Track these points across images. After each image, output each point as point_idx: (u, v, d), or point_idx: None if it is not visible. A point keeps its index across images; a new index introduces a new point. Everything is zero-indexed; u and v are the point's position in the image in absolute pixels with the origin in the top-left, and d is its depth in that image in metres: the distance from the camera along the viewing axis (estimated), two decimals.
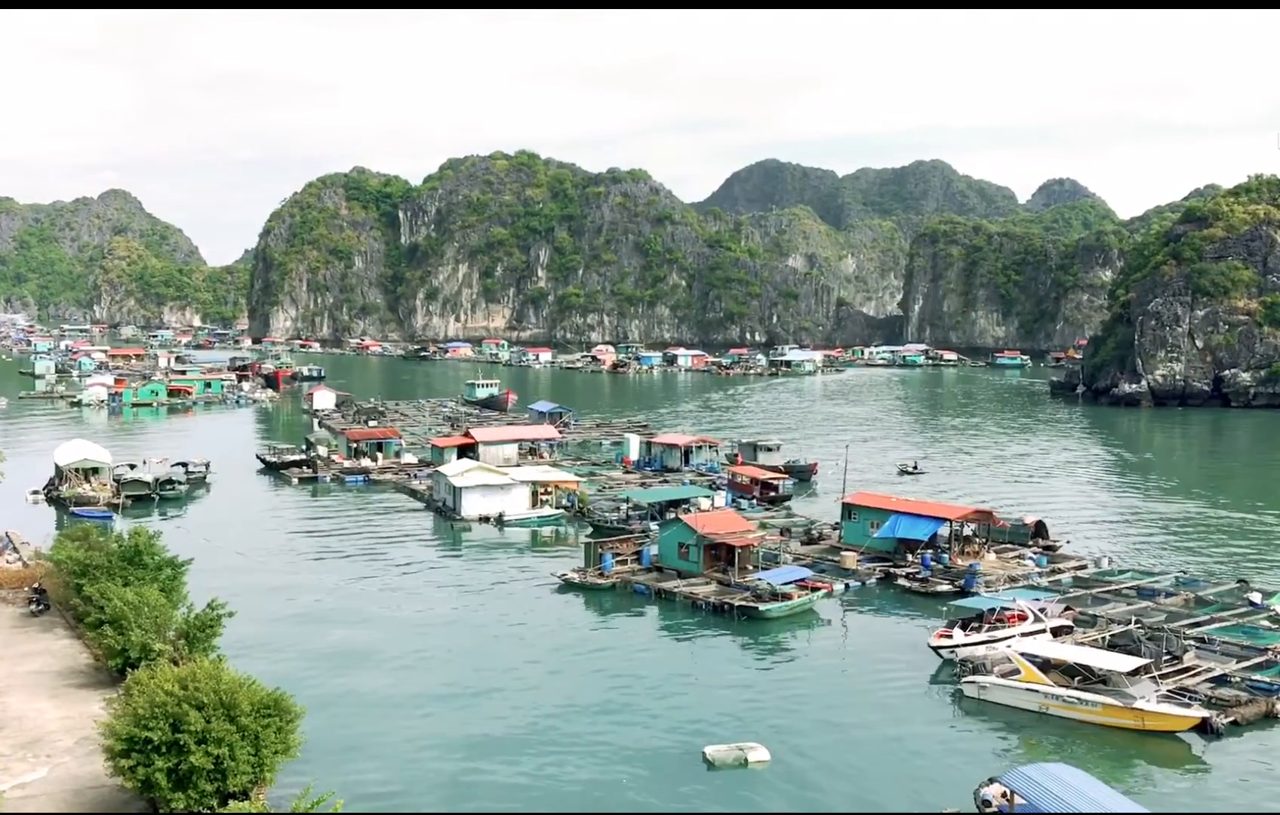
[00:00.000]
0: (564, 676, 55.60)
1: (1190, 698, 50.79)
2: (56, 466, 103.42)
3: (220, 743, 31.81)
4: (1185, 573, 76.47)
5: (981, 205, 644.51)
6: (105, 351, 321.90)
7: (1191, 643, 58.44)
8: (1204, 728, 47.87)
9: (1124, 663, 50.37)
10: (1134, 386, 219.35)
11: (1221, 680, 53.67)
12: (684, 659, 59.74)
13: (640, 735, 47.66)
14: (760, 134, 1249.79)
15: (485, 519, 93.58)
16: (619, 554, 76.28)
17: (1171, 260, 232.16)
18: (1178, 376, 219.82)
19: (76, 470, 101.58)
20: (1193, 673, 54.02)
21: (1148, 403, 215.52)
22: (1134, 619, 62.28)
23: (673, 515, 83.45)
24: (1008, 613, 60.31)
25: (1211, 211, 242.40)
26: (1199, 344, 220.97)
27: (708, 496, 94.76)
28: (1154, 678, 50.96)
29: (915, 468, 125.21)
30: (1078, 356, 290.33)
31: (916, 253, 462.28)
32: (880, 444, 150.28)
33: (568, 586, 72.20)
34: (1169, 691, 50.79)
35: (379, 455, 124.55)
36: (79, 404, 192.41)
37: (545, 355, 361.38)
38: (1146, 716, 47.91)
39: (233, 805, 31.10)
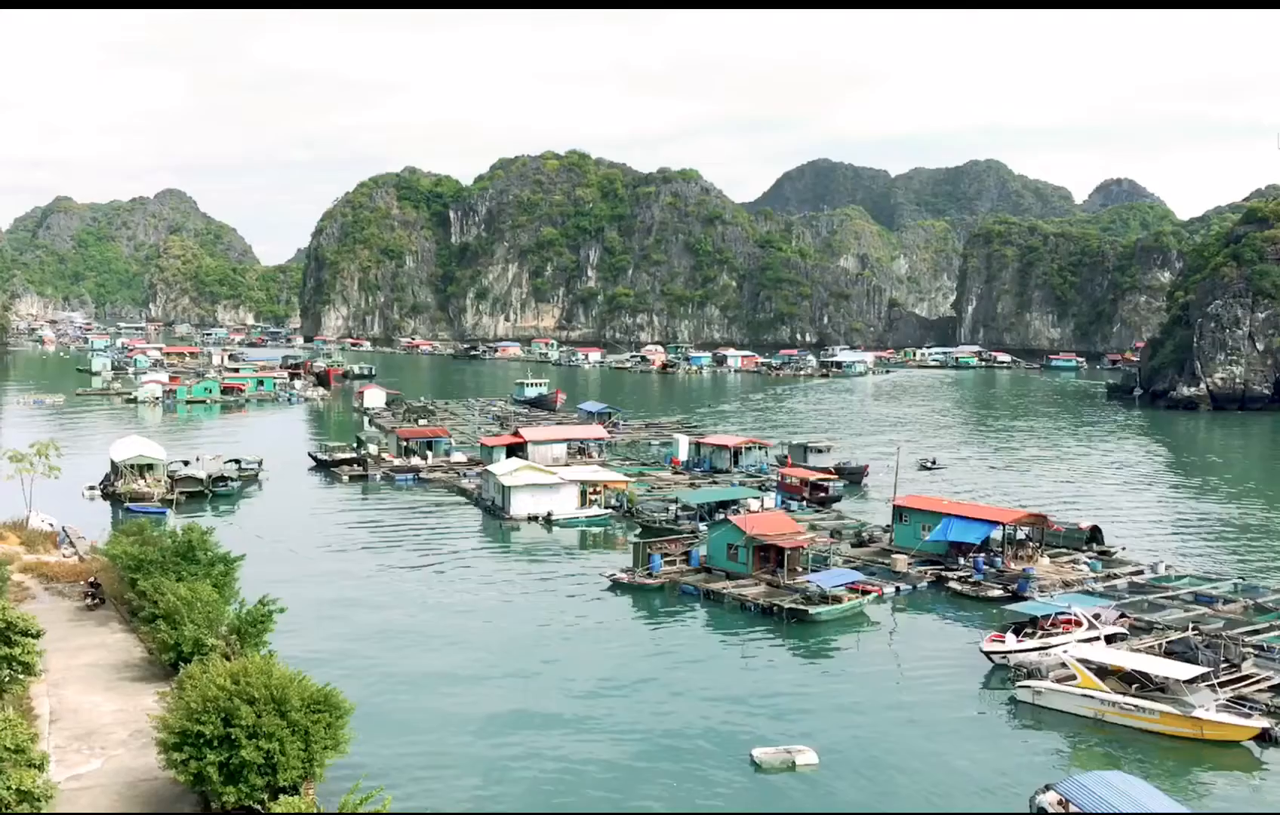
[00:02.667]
0: (612, 676, 55.47)
1: (1250, 707, 49.82)
2: (112, 462, 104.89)
3: (271, 737, 31.94)
4: (1244, 579, 75.05)
5: (1037, 205, 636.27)
6: (160, 349, 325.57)
7: (1250, 650, 57.31)
8: (1264, 737, 46.97)
9: (1183, 670, 49.47)
10: (1192, 390, 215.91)
11: None
12: (732, 661, 59.44)
13: (688, 736, 47.45)
14: (811, 134, 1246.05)
15: (534, 518, 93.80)
16: (667, 554, 76.12)
17: (1232, 262, 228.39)
18: (1237, 380, 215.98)
19: (132, 466, 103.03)
20: (1252, 681, 52.98)
21: (1206, 406, 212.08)
22: (1191, 626, 61.24)
23: (722, 516, 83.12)
24: (1062, 618, 59.52)
25: (1273, 212, 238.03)
26: (1259, 346, 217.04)
27: (757, 498, 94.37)
28: (1213, 686, 50.03)
29: (934, 463, 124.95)
30: (1135, 359, 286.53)
31: (970, 253, 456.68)
32: (924, 444, 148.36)
33: (616, 586, 72.15)
34: (1228, 700, 49.83)
35: (429, 454, 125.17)
36: (134, 401, 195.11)
37: (594, 355, 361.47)
38: (1205, 725, 47.02)
39: (283, 800, 31.19)
